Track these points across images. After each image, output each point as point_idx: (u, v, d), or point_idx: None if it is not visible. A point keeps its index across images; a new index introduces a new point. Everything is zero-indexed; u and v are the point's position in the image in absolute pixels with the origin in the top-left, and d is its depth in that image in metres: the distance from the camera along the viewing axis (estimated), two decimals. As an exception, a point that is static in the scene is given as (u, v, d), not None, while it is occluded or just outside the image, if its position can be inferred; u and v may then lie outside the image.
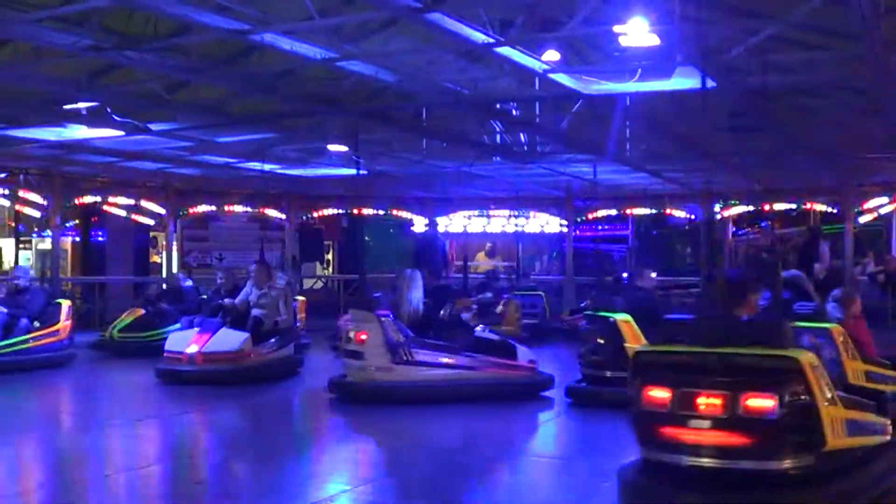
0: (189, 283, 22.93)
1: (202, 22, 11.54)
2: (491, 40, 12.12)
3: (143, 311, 21.55)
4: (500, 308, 23.06)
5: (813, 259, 25.28)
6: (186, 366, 16.63)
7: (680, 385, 7.43)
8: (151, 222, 28.57)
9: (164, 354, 17.13)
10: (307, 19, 11.42)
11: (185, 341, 17.06)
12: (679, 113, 17.48)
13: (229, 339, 16.89)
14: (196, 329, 17.56)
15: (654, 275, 16.35)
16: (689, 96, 15.18)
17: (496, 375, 14.83)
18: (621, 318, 14.02)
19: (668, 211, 30.38)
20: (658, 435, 7.54)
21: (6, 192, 24.41)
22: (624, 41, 11.81)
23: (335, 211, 31.99)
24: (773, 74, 14.06)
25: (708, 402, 7.28)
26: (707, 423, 7.28)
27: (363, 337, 14.38)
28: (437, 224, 31.94)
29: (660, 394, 7.50)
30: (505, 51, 12.75)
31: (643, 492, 7.66)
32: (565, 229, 31.29)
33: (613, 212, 31.44)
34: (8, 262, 30.58)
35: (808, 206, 28.90)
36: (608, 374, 13.87)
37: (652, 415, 7.55)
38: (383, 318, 14.48)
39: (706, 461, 7.33)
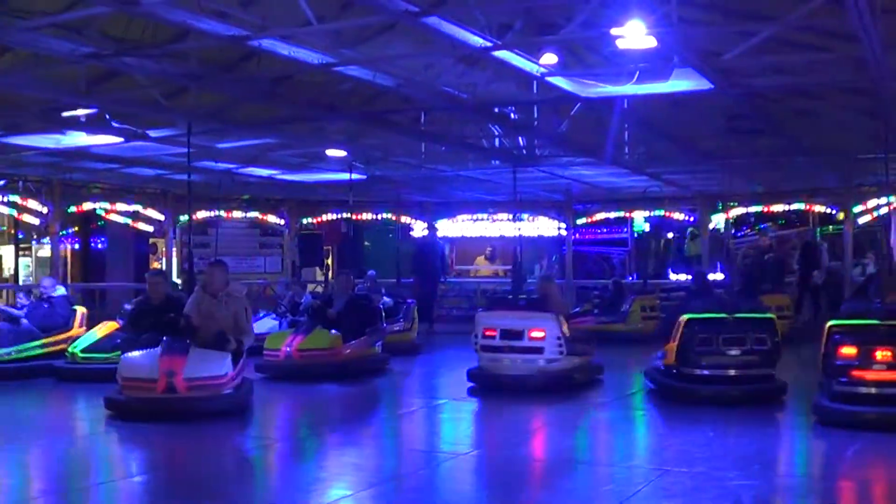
0: (61, 291, 19.79)
1: (201, 28, 11.56)
2: (489, 44, 12.15)
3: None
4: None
5: (812, 266, 25.52)
6: (161, 394, 13.55)
7: (863, 344, 12.36)
8: (151, 229, 28.56)
9: (123, 382, 13.88)
10: (305, 25, 11.44)
11: (150, 365, 13.68)
12: (677, 115, 17.52)
13: (211, 360, 13.99)
14: (152, 350, 14.03)
15: None
16: (687, 98, 15.24)
17: (591, 360, 17.37)
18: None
19: (667, 214, 30.37)
20: (848, 375, 12.32)
21: (5, 199, 24.41)
22: (621, 44, 11.84)
23: (335, 216, 31.97)
24: (772, 76, 14.10)
25: (883, 353, 12.18)
26: (883, 367, 12.18)
27: (540, 333, 16.13)
28: (436, 228, 31.91)
29: (850, 350, 12.38)
30: (503, 54, 12.79)
31: (833, 411, 12.37)
32: (564, 232, 31.32)
33: (613, 215, 31.46)
34: (8, 270, 30.58)
35: (808, 207, 28.96)
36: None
37: (844, 364, 12.38)
38: (557, 316, 16.41)
39: (880, 390, 12.17)
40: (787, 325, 21.76)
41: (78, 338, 18.28)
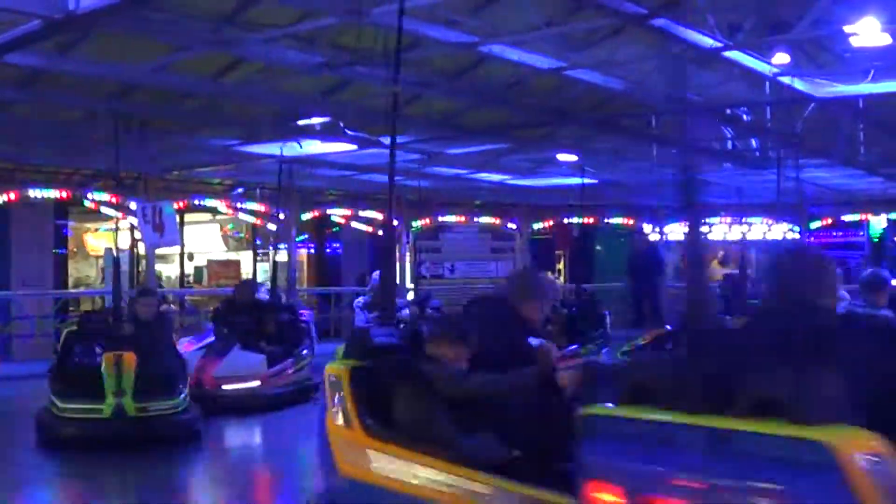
0: None
1: (431, 36, 11.72)
2: (719, 45, 12.03)
3: None
4: None
5: None
6: None
7: None
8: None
9: None
10: (534, 30, 11.49)
11: None
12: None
13: None
14: None
15: None
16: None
17: None
18: None
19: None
20: None
21: (244, 206, 25.07)
22: (855, 42, 11.61)
23: (566, 220, 31.90)
24: None
25: None
26: None
27: None
28: (664, 233, 31.59)
29: None
30: (733, 55, 12.64)
31: None
32: (798, 236, 30.69)
33: (847, 217, 30.72)
34: (245, 275, 31.28)
35: None
36: None
37: None
38: None
39: None
40: None
41: None
